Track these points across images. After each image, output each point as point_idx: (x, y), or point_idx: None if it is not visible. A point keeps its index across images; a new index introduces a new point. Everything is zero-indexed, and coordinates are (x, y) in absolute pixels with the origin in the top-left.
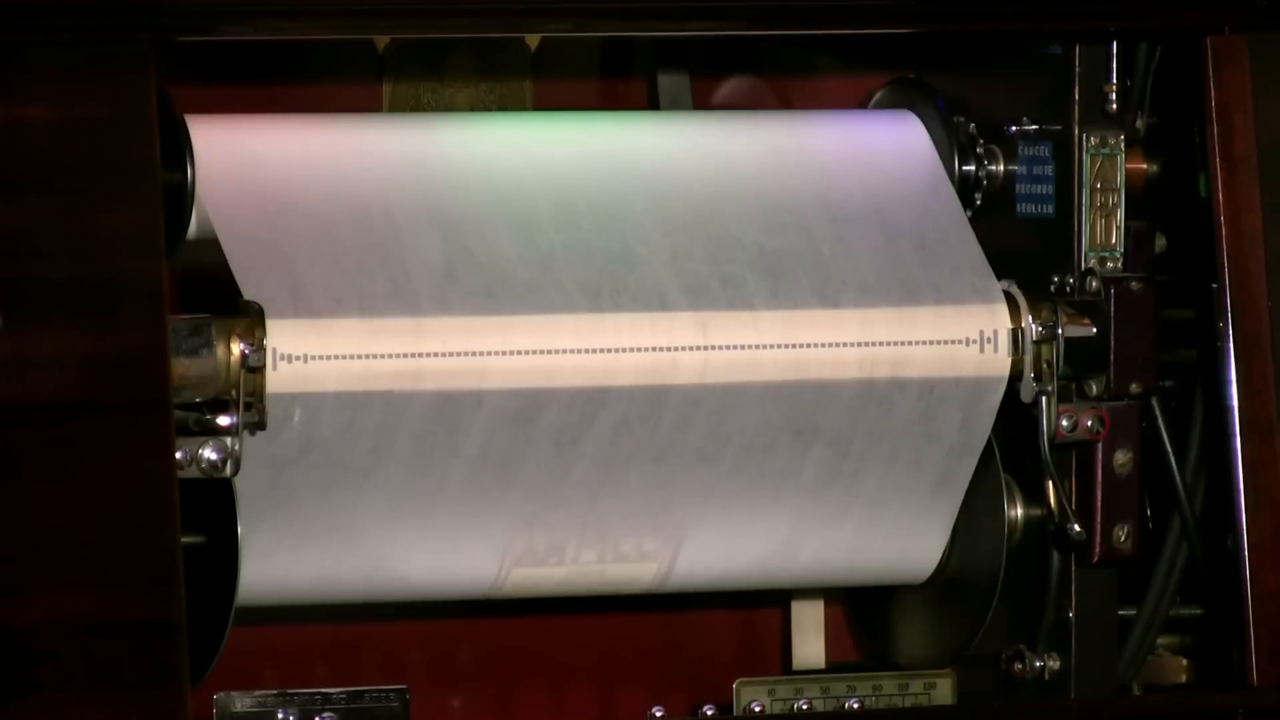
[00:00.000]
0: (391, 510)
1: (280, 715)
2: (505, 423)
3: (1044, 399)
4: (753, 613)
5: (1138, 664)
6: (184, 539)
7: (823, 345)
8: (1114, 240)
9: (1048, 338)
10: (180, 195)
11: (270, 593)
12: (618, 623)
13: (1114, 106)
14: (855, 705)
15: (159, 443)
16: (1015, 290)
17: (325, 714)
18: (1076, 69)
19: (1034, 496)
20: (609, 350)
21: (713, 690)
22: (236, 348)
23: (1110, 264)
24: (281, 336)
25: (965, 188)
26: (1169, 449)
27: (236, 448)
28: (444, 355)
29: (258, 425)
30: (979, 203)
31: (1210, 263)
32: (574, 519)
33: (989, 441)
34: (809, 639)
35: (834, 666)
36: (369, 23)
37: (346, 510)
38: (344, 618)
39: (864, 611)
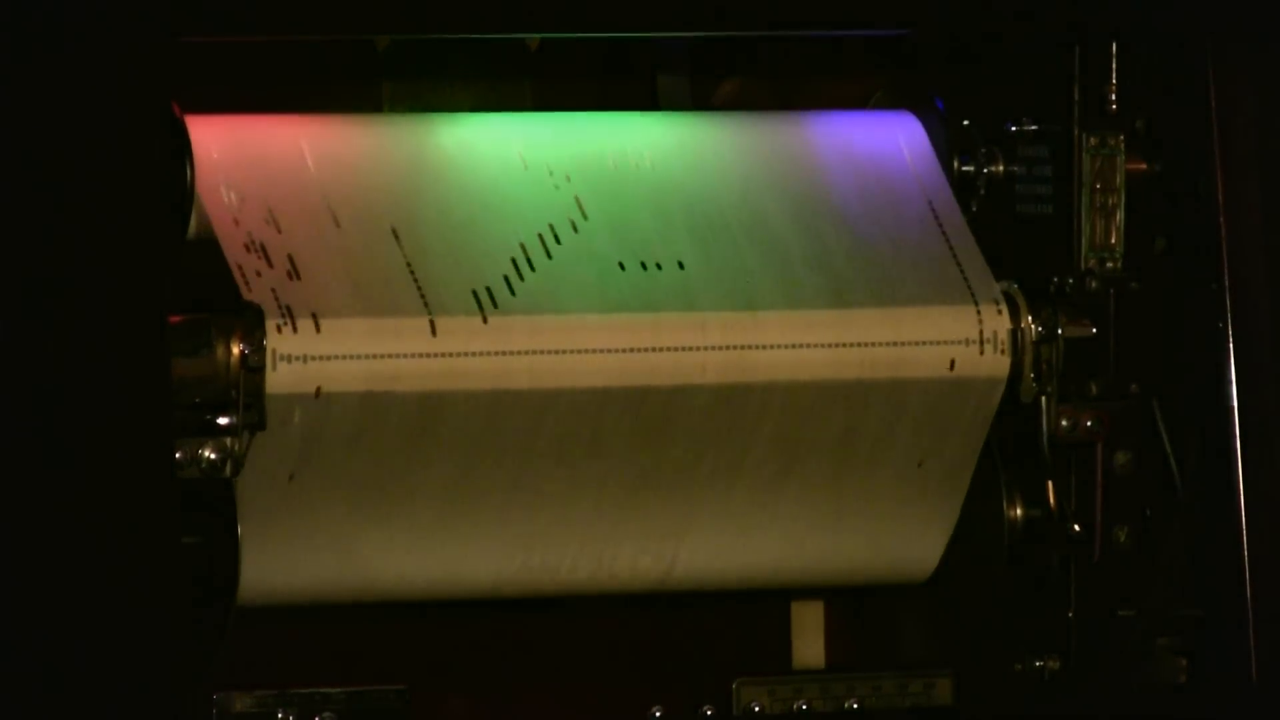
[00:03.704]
0: (391, 510)
1: (280, 715)
2: (506, 422)
3: (1044, 399)
4: (753, 613)
5: (1137, 664)
6: (183, 539)
7: (822, 346)
8: (1114, 240)
9: (1047, 338)
10: (180, 195)
11: (270, 593)
12: (618, 623)
13: (1114, 107)
14: (855, 705)
15: (158, 443)
16: (1015, 291)
17: (325, 714)
18: (1076, 69)
19: (1034, 497)
20: (612, 350)
21: (712, 690)
22: (236, 348)
23: (1110, 264)
24: (281, 337)
25: (964, 188)
26: (1169, 449)
27: (236, 448)
28: (444, 355)
29: (257, 425)
30: (978, 203)
31: (1210, 263)
32: (579, 519)
33: (989, 442)
34: (809, 639)
35: (833, 667)
36: (369, 22)
37: (346, 510)
38: (344, 618)
39: (864, 612)
